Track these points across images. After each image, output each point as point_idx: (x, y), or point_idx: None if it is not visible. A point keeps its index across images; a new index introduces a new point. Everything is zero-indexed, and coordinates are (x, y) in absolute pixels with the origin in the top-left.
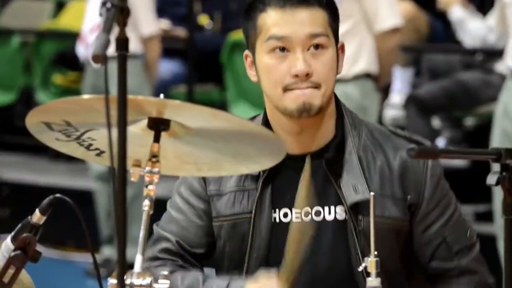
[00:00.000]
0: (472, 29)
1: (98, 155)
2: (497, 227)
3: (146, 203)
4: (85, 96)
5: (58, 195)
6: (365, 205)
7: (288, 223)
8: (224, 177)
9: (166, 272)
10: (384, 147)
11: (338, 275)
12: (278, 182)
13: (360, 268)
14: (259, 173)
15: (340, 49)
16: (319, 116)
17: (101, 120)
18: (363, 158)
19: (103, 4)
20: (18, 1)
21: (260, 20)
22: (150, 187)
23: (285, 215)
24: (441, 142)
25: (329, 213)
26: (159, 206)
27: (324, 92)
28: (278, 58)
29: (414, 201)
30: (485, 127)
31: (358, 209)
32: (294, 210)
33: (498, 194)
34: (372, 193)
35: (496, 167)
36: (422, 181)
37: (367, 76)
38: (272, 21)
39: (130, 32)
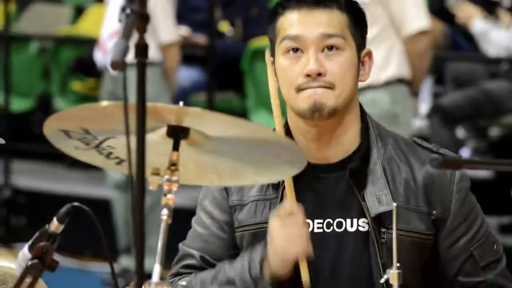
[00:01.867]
0: (496, 39)
1: (118, 163)
2: None
3: (165, 212)
4: (103, 103)
5: (75, 203)
6: (389, 217)
7: (309, 233)
8: (246, 187)
9: (184, 283)
10: (409, 159)
11: (360, 287)
12: (299, 191)
13: (382, 280)
14: (279, 182)
15: (366, 56)
16: (336, 122)
17: (119, 128)
18: (387, 169)
19: (123, 10)
20: (36, 6)
21: (278, 22)
22: (169, 196)
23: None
24: (465, 153)
25: (351, 225)
26: (178, 215)
27: (339, 93)
28: (292, 59)
29: (440, 215)
30: (510, 137)
31: (381, 221)
32: (316, 221)
33: None
34: (394, 204)
35: None
36: (448, 195)
37: (399, 81)
38: (288, 22)
39: (149, 39)
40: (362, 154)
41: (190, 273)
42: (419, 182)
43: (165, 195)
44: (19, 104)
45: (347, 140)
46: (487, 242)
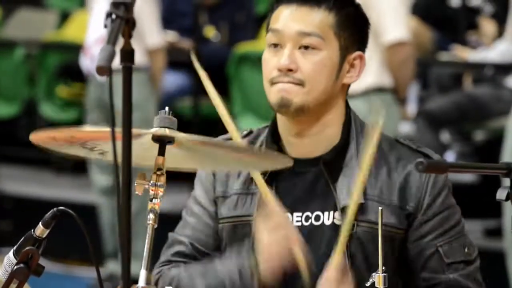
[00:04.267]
0: (502, 49)
1: (101, 153)
2: (507, 243)
3: (151, 217)
4: (89, 128)
5: (61, 208)
6: (360, 210)
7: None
8: (231, 179)
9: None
10: (388, 156)
11: None
12: (280, 186)
13: (368, 284)
14: (261, 176)
15: (358, 58)
16: (314, 119)
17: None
18: None
19: (108, 15)
20: (22, 11)
21: (271, 16)
22: (155, 200)
23: None
24: (450, 157)
25: (328, 218)
26: (164, 220)
27: (308, 91)
28: (271, 53)
29: (413, 210)
30: (495, 141)
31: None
32: (295, 214)
33: (508, 210)
34: (380, 208)
35: (506, 182)
36: (422, 191)
37: (379, 90)
38: (276, 15)
39: (135, 44)
40: (339, 147)
41: (181, 261)
42: (396, 178)
43: (151, 200)
44: (5, 110)
45: (328, 137)
46: (458, 242)
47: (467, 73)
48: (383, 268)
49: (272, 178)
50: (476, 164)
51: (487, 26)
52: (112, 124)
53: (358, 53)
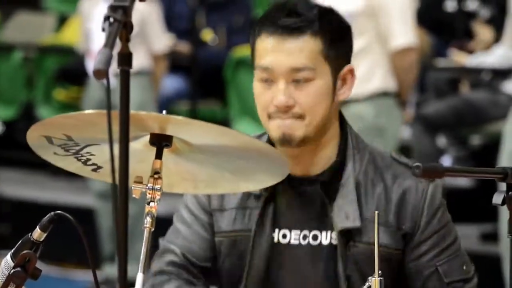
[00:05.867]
0: (500, 54)
1: (94, 170)
2: (503, 248)
3: (148, 220)
4: (88, 111)
5: (59, 211)
6: (357, 232)
7: (286, 245)
8: (227, 193)
9: None
10: (384, 174)
11: None
12: (279, 202)
13: (364, 287)
14: (261, 192)
15: (348, 73)
16: (312, 145)
17: (102, 136)
18: (362, 183)
19: (106, 19)
20: (20, 15)
21: (256, 44)
22: (152, 204)
23: (284, 236)
24: (446, 161)
25: (326, 238)
26: (160, 224)
27: (309, 122)
28: (264, 87)
29: (409, 230)
30: (491, 146)
31: (350, 235)
32: (293, 232)
33: (504, 214)
34: (376, 212)
35: (502, 186)
36: (419, 210)
37: (384, 94)
38: (262, 48)
39: (140, 48)
40: (336, 168)
41: (174, 272)
42: (392, 197)
43: (148, 203)
44: (2, 113)
45: (324, 157)
46: (456, 261)
47: (464, 78)
48: (379, 272)
49: (271, 195)
50: (472, 169)
51: (483, 31)
52: (109, 126)
53: (347, 67)
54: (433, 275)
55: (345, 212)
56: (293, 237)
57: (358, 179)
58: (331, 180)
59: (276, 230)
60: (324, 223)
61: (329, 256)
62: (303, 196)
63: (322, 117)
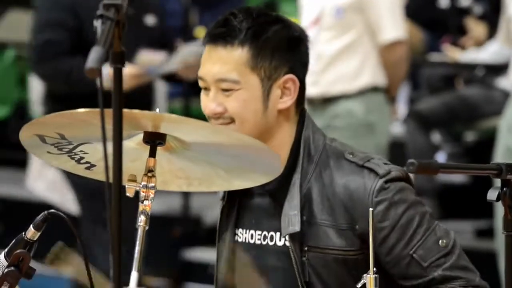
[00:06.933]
0: (494, 50)
1: (88, 168)
2: (498, 244)
3: (142, 218)
4: (81, 110)
5: (52, 210)
6: (304, 236)
7: (246, 243)
8: None
9: None
10: (333, 175)
11: None
12: (245, 204)
13: (359, 285)
14: (224, 194)
15: (289, 82)
16: None
17: (96, 134)
18: (313, 187)
19: (99, 17)
20: (12, 13)
21: None
22: (146, 202)
23: (243, 235)
24: (441, 157)
25: (280, 239)
26: (155, 222)
27: (239, 126)
28: (204, 93)
29: (364, 230)
30: (485, 142)
31: (301, 239)
32: (257, 232)
33: (499, 210)
34: (371, 209)
35: (497, 182)
36: (367, 210)
37: (373, 89)
38: (202, 58)
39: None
40: (285, 174)
41: None
42: (338, 197)
43: (142, 201)
44: None
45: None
46: (429, 241)
47: (458, 74)
48: (374, 269)
49: (235, 196)
50: (467, 165)
51: (476, 28)
52: (102, 125)
53: (287, 76)
54: (411, 263)
55: (288, 218)
56: (257, 237)
57: (308, 183)
58: (281, 185)
59: (238, 230)
60: (279, 225)
61: (285, 257)
62: (261, 198)
63: (254, 123)
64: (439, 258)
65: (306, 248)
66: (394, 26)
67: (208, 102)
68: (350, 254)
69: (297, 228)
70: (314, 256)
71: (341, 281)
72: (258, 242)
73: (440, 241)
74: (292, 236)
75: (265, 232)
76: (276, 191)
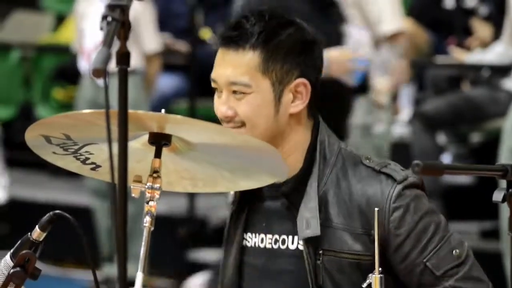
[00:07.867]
0: (500, 51)
1: (93, 169)
2: (504, 245)
3: (147, 219)
4: (87, 111)
5: (58, 211)
6: (321, 240)
7: (255, 248)
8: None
9: None
10: (350, 179)
11: None
12: (255, 207)
13: (364, 285)
14: (234, 197)
15: (301, 86)
16: None
17: (101, 135)
18: (329, 190)
19: (104, 18)
20: (17, 14)
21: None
22: (151, 203)
23: (252, 239)
24: (446, 158)
25: (292, 242)
26: (160, 223)
27: (250, 129)
28: (217, 95)
29: (380, 235)
30: (491, 143)
31: (316, 242)
32: (267, 236)
33: (505, 211)
34: (376, 209)
35: (502, 183)
36: (384, 215)
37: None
38: (215, 60)
39: (131, 47)
40: (300, 176)
41: None
42: (355, 202)
43: (147, 202)
44: (0, 113)
45: (289, 164)
46: (444, 249)
47: (464, 75)
48: (380, 269)
49: (244, 200)
50: (472, 166)
51: (482, 28)
52: (108, 126)
53: (299, 80)
54: (425, 271)
55: (306, 220)
56: (268, 241)
57: (324, 186)
58: (296, 188)
59: (246, 234)
60: (291, 228)
61: (297, 261)
62: (273, 201)
63: (265, 127)
64: (452, 268)
65: (321, 252)
66: (394, 18)
67: (219, 105)
68: (364, 259)
69: (317, 231)
70: (328, 259)
71: (355, 285)
72: (269, 246)
73: (454, 251)
74: (307, 240)
75: (276, 236)
76: (292, 193)
